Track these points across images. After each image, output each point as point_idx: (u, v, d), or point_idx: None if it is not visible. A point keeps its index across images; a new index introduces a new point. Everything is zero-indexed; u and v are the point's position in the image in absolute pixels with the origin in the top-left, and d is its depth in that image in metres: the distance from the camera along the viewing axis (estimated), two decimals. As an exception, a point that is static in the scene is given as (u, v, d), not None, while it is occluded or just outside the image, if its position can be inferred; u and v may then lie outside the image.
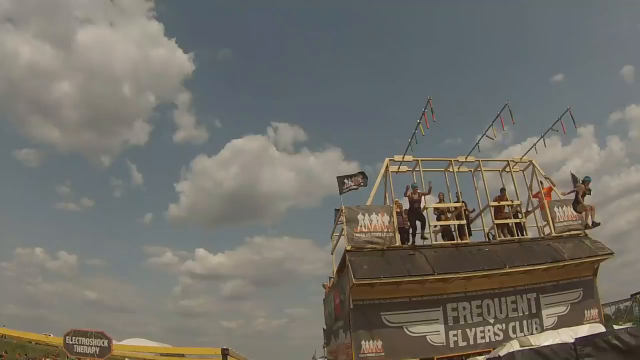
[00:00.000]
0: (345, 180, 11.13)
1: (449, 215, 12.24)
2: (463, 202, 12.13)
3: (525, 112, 59.71)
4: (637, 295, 27.01)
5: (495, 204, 12.20)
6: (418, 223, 11.30)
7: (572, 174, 13.04)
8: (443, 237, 11.97)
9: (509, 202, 12.40)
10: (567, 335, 4.57)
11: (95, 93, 59.39)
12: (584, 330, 4.63)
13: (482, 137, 11.96)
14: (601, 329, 4.61)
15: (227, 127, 76.27)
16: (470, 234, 11.97)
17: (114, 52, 59.95)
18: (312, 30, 77.75)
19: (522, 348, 4.48)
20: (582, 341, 4.49)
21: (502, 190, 12.63)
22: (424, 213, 11.44)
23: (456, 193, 12.37)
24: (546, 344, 4.50)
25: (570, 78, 67.09)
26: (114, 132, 71.82)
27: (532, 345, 4.48)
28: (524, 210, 12.47)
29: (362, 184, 11.30)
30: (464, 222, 11.50)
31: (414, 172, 11.93)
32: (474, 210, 12.62)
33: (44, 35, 56.86)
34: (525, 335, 9.90)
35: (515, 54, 73.63)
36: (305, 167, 70.92)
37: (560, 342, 4.55)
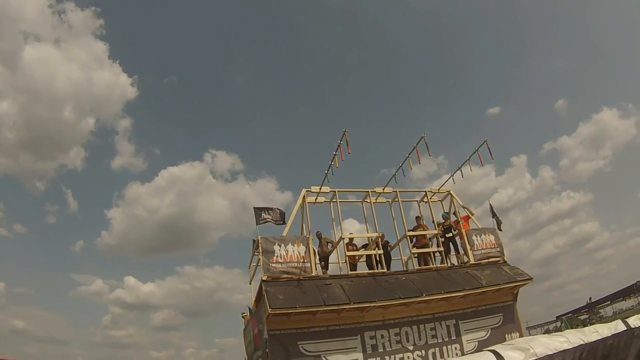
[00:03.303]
0: (263, 213, 11.43)
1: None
2: (382, 234, 12.55)
3: (461, 143, 63.24)
4: (563, 317, 27.75)
5: (413, 233, 12.67)
6: None
7: (490, 205, 13.76)
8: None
9: (426, 232, 12.89)
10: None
11: (35, 115, 56.78)
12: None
13: (398, 169, 12.52)
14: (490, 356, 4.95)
15: (165, 154, 76.53)
16: (389, 267, 12.36)
17: (57, 73, 57.68)
18: (258, 64, 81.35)
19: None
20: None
21: (417, 218, 13.16)
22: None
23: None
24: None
25: (507, 111, 74.30)
26: (52, 156, 68.72)
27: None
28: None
29: (279, 220, 11.59)
30: (380, 251, 11.89)
31: (331, 203, 12.39)
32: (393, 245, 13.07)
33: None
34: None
35: (456, 88, 78.97)
36: (240, 196, 70.97)
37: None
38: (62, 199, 70.26)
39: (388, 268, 12.23)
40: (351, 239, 12.46)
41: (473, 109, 78.62)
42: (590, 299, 30.88)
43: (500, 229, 13.50)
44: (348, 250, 11.95)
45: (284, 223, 11.62)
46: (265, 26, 78.98)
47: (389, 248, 12.64)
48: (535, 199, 70.84)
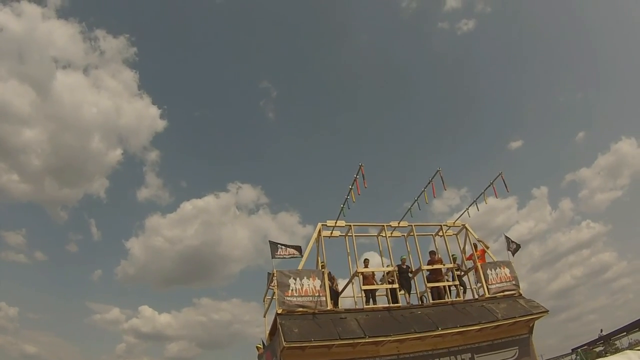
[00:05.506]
0: (279, 249, 11.52)
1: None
2: (404, 258, 12.73)
3: (484, 176, 62.98)
4: (578, 349, 27.15)
5: (427, 267, 12.68)
6: None
7: (506, 237, 13.78)
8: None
9: (442, 266, 12.90)
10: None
11: (64, 143, 57.49)
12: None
13: (413, 203, 12.60)
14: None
15: (191, 187, 76.76)
16: (409, 293, 12.43)
17: (87, 101, 58.52)
18: (290, 99, 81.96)
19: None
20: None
21: (431, 252, 13.17)
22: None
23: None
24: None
25: (529, 144, 72.66)
26: (77, 185, 69.36)
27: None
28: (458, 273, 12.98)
29: (295, 255, 11.67)
30: (395, 286, 11.91)
31: (347, 237, 12.47)
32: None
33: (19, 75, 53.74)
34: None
35: (480, 122, 79.12)
36: (262, 228, 70.82)
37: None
38: (86, 228, 71.00)
39: (408, 294, 12.29)
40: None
41: (496, 143, 78.40)
42: (601, 330, 30.16)
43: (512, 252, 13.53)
44: (364, 284, 11.96)
45: (300, 256, 11.70)
46: (297, 60, 79.90)
47: (410, 274, 12.63)
48: (555, 230, 70.08)
